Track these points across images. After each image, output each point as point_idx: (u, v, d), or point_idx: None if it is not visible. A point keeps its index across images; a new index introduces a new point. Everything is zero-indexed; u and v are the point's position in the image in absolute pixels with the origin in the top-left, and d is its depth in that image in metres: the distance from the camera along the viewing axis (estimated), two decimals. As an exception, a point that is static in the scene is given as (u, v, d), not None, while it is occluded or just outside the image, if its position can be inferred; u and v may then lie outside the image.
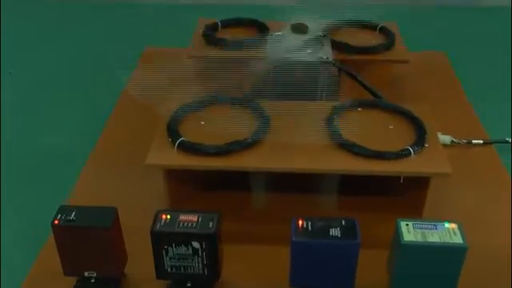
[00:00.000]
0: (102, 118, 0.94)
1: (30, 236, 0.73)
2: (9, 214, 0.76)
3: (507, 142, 0.87)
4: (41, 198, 0.79)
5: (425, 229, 0.58)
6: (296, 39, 0.82)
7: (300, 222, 0.58)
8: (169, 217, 0.59)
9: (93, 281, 0.63)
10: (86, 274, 0.62)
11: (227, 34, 0.94)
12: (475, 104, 0.97)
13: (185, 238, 0.58)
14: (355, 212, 0.67)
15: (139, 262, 0.64)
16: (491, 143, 0.87)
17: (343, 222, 0.58)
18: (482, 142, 0.87)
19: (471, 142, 0.86)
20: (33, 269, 0.67)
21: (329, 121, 0.73)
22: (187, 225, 0.58)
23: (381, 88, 0.88)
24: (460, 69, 1.07)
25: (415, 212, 0.72)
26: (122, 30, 1.27)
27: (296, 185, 0.75)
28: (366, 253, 0.61)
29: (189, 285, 0.62)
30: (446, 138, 0.85)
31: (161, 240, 0.58)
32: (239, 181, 0.76)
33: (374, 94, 0.87)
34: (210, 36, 0.92)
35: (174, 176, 0.72)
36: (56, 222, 0.59)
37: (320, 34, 0.86)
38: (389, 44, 0.92)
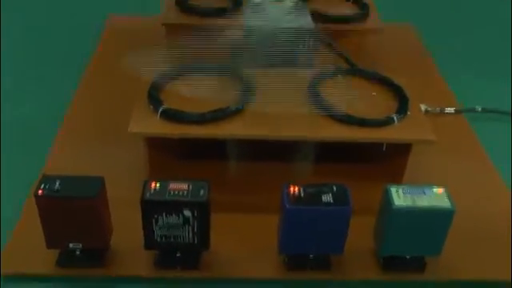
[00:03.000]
0: (69, 88, 0.90)
1: (4, 209, 0.70)
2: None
3: (476, 110, 0.90)
4: (14, 168, 0.76)
5: (414, 194, 0.59)
6: (275, 7, 0.81)
7: (291, 189, 0.58)
8: (158, 185, 0.58)
9: (78, 252, 0.61)
10: (70, 245, 0.60)
11: (200, 1, 0.92)
12: (444, 73, 0.99)
13: (176, 207, 0.57)
14: (336, 179, 0.67)
15: (122, 233, 0.63)
16: (462, 112, 0.89)
17: (334, 188, 0.59)
18: (453, 110, 0.89)
19: (444, 111, 0.88)
20: (9, 243, 0.64)
21: (311, 88, 0.72)
22: (178, 193, 0.57)
23: (354, 58, 0.88)
24: (429, 40, 1.09)
25: (395, 178, 0.73)
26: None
27: (277, 153, 0.75)
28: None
29: (178, 255, 0.61)
30: (420, 107, 0.87)
31: (151, 209, 0.57)
32: (219, 149, 0.75)
33: (350, 63, 0.87)
34: (184, 3, 0.90)
35: (155, 144, 0.70)
36: (40, 192, 0.56)
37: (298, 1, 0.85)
38: (363, 14, 0.92)
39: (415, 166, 0.77)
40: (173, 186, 0.58)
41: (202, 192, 0.57)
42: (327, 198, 0.57)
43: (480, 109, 0.90)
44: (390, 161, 0.74)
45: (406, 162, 0.72)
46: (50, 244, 0.60)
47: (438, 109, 0.88)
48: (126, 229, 0.61)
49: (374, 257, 0.64)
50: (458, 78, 0.97)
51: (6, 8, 1.16)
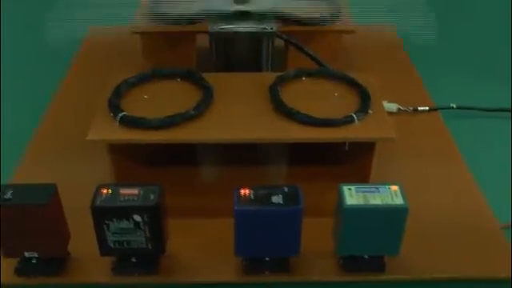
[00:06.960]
0: (46, 98, 0.91)
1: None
2: None
3: (451, 107, 0.89)
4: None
5: (367, 192, 0.58)
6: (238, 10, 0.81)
7: (242, 192, 0.58)
8: (110, 191, 0.58)
9: (34, 261, 0.61)
10: (26, 254, 0.60)
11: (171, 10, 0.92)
12: (423, 73, 0.98)
13: (126, 212, 0.57)
14: (302, 182, 0.66)
15: (86, 240, 0.62)
16: (436, 109, 0.88)
17: (286, 189, 0.58)
18: (427, 108, 0.88)
19: (417, 110, 0.87)
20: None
21: (272, 90, 0.72)
22: (128, 198, 0.57)
23: (328, 59, 0.88)
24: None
25: (362, 179, 0.72)
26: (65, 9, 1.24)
27: (242, 157, 0.75)
28: (313, 221, 0.61)
29: (134, 260, 0.61)
30: (392, 106, 0.86)
31: (101, 215, 0.57)
32: (186, 154, 0.75)
33: (320, 64, 0.87)
34: (153, 11, 0.90)
35: (119, 151, 0.71)
36: (-9, 202, 0.57)
37: (264, 4, 0.85)
38: (334, 15, 0.91)
39: (386, 167, 0.77)
40: (124, 191, 0.58)
41: (152, 196, 0.57)
42: (277, 199, 0.57)
43: (455, 106, 0.89)
44: (355, 161, 0.73)
45: (371, 162, 0.71)
46: (7, 253, 0.60)
47: (411, 108, 0.87)
48: (89, 236, 0.61)
49: (335, 258, 0.63)
50: (433, 75, 0.97)
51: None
